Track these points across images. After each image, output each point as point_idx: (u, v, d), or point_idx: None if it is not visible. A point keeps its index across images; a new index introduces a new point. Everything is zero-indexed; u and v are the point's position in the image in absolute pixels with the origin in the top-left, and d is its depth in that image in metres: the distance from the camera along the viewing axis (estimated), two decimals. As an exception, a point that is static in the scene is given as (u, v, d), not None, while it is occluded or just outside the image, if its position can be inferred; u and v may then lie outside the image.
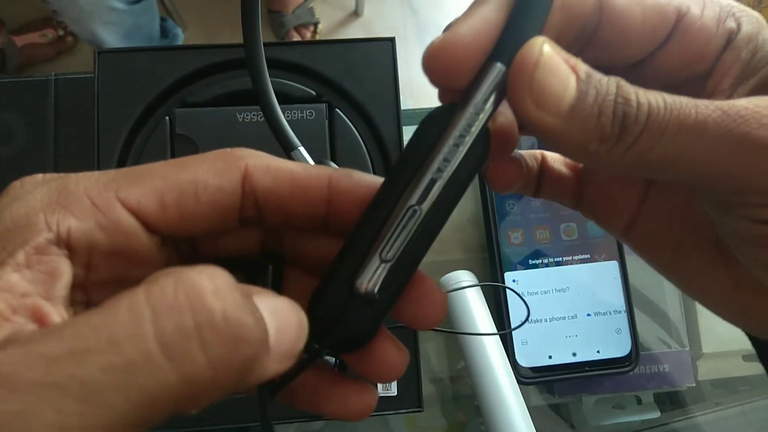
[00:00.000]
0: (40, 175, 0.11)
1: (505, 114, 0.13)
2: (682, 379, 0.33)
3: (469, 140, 0.12)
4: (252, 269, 0.13)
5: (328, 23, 1.15)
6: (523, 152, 0.17)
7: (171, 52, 0.31)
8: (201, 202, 0.12)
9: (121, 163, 0.30)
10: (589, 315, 0.33)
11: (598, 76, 0.12)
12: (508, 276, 0.33)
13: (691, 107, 0.11)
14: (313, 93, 0.31)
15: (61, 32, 1.03)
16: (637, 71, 0.14)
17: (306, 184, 0.13)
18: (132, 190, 0.11)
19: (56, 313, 0.10)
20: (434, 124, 0.12)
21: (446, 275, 0.32)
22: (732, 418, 0.27)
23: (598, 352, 0.32)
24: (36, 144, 0.34)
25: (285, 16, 1.09)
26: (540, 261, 0.33)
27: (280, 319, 0.10)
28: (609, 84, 0.12)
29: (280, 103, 0.30)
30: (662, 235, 0.16)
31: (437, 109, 0.12)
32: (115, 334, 0.08)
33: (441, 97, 0.14)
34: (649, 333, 0.33)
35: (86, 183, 0.11)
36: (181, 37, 1.04)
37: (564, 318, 0.33)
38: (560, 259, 0.33)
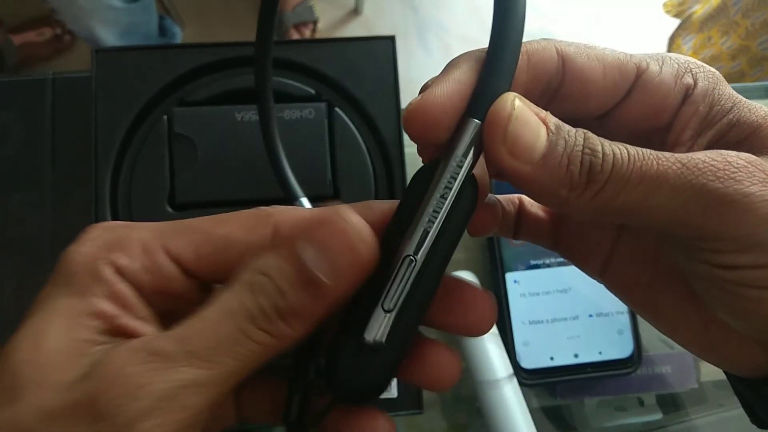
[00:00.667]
0: (108, 223, 0.14)
1: (478, 164, 0.14)
2: (685, 380, 0.33)
3: (454, 191, 0.13)
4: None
5: (328, 21, 1.14)
6: (501, 197, 0.18)
7: (169, 50, 0.31)
8: (231, 255, 0.13)
9: (119, 163, 0.30)
10: (591, 316, 0.32)
11: (567, 128, 0.13)
12: (509, 277, 0.32)
13: (653, 159, 0.13)
14: (313, 92, 0.31)
15: (58, 31, 1.03)
16: (603, 123, 0.15)
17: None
18: (175, 241, 0.13)
19: (146, 328, 0.13)
20: (422, 180, 0.13)
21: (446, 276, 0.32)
22: (735, 420, 0.26)
23: (600, 353, 0.32)
24: (33, 143, 0.33)
25: (284, 14, 1.08)
26: (541, 261, 0.33)
27: (324, 252, 0.12)
28: (577, 135, 0.13)
29: (279, 102, 0.30)
30: (634, 275, 0.17)
31: (424, 166, 0.14)
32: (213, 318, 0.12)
33: (420, 152, 0.15)
34: (652, 334, 0.33)
35: (142, 233, 0.13)
36: (179, 36, 1.04)
37: (566, 319, 0.32)
38: (562, 259, 0.33)
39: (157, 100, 0.30)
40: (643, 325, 0.33)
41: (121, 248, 0.13)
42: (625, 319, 0.32)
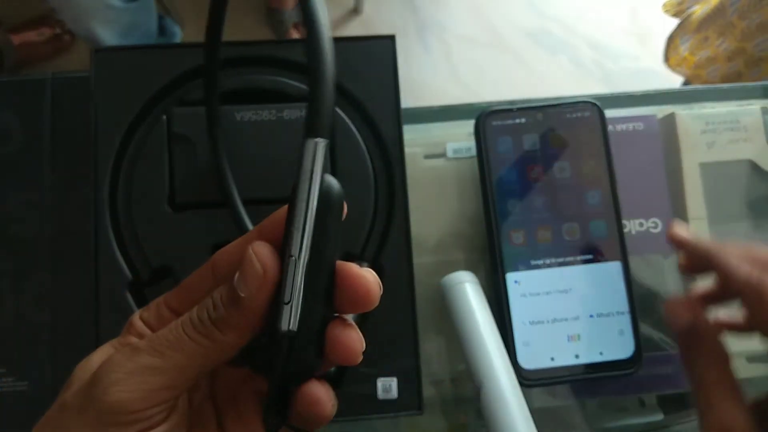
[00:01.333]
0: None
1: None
2: (686, 381, 0.33)
3: (312, 198, 0.16)
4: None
5: (328, 21, 1.14)
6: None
7: (168, 50, 0.31)
8: (196, 294, 0.18)
9: (118, 162, 0.30)
10: (591, 316, 0.32)
11: None
12: (510, 277, 0.32)
13: None
14: (313, 91, 0.31)
15: (58, 30, 1.03)
16: None
17: (247, 243, 0.17)
18: (170, 297, 0.19)
19: None
20: (291, 195, 0.16)
21: (447, 276, 0.32)
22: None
23: (601, 354, 0.32)
24: (32, 143, 0.33)
25: (284, 13, 1.08)
26: (542, 261, 0.33)
27: (242, 272, 0.16)
28: None
29: (279, 102, 0.30)
30: None
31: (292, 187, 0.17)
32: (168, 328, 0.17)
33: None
34: (653, 335, 0.33)
35: (160, 298, 0.19)
36: (178, 35, 1.04)
37: (566, 319, 0.32)
38: (562, 259, 0.33)
39: (156, 99, 0.30)
40: (644, 325, 0.33)
41: (147, 308, 0.19)
42: (626, 319, 0.32)
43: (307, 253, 0.16)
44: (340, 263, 0.17)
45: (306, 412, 0.17)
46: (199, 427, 0.19)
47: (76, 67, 1.03)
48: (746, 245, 0.25)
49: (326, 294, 0.16)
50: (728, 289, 0.25)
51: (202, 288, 0.18)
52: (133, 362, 0.16)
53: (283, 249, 0.16)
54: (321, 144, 0.16)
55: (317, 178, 0.16)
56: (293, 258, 0.16)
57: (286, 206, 0.17)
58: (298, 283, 0.16)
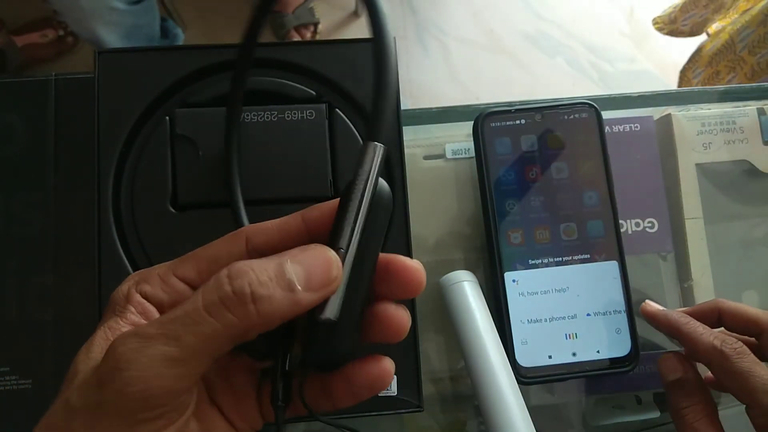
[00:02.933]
0: (139, 271, 0.18)
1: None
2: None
3: (368, 197, 0.17)
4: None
5: (329, 23, 1.15)
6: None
7: (171, 52, 0.31)
8: (220, 266, 0.16)
9: (121, 164, 0.30)
10: (588, 315, 0.33)
11: None
12: (508, 276, 0.33)
13: None
14: (313, 93, 0.31)
15: (61, 32, 1.03)
16: None
17: (287, 227, 0.18)
18: (180, 268, 0.18)
19: None
20: (345, 192, 0.17)
21: (446, 275, 0.32)
22: (732, 418, 0.27)
23: (598, 352, 0.32)
24: (36, 144, 0.34)
25: (285, 16, 1.09)
26: (540, 261, 0.33)
27: (307, 267, 0.16)
28: None
29: (280, 104, 0.30)
30: None
31: (347, 184, 0.17)
32: (185, 307, 0.16)
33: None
34: (649, 333, 0.33)
35: (160, 268, 0.18)
36: (181, 38, 1.04)
37: (564, 318, 0.33)
38: (560, 259, 0.33)
39: (159, 101, 0.31)
40: (641, 324, 0.33)
41: (145, 280, 0.18)
42: (623, 318, 0.33)
43: (355, 247, 0.16)
44: (392, 255, 0.18)
45: (386, 331, 0.17)
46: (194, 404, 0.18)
47: (79, 69, 1.03)
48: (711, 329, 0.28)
49: (366, 287, 0.17)
50: (695, 356, 0.28)
51: (225, 257, 0.17)
52: (147, 356, 0.15)
53: (331, 241, 0.17)
54: (380, 148, 0.17)
55: (374, 179, 0.17)
56: (342, 250, 0.16)
57: (333, 200, 0.17)
58: (345, 275, 0.16)
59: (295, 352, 0.18)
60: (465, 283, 0.31)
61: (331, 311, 0.16)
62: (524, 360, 0.32)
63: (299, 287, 0.16)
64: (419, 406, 0.28)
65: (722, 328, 0.30)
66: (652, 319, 0.31)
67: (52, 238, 0.33)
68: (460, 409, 0.34)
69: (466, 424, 0.34)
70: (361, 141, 0.31)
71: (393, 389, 0.28)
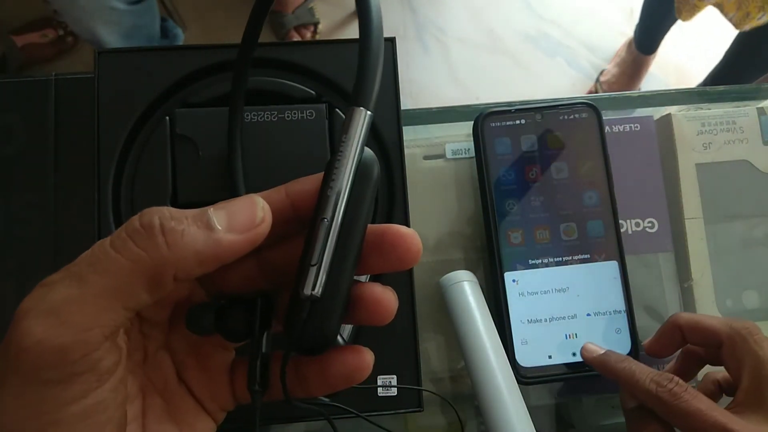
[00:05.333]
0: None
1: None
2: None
3: (352, 165, 0.16)
4: (247, 302, 0.17)
5: (329, 23, 1.15)
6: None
7: (171, 52, 0.31)
8: None
9: (121, 164, 0.30)
10: (588, 315, 0.33)
11: None
12: (508, 276, 0.33)
13: None
14: (313, 93, 0.31)
15: (61, 32, 1.03)
16: None
17: (269, 200, 0.17)
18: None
19: None
20: (329, 164, 0.16)
21: (446, 275, 0.32)
22: (731, 418, 0.27)
23: (598, 352, 0.32)
24: (36, 144, 0.34)
25: (285, 16, 1.09)
26: (539, 261, 0.33)
27: (229, 210, 0.15)
28: None
29: (280, 104, 0.30)
30: None
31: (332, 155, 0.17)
32: (94, 248, 0.14)
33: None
34: (649, 333, 0.33)
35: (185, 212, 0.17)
36: (181, 38, 1.04)
37: (564, 318, 0.33)
38: (560, 259, 0.33)
39: (159, 101, 0.31)
40: (641, 324, 0.33)
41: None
42: (623, 318, 0.33)
43: (340, 217, 0.15)
44: (386, 225, 0.17)
45: (372, 313, 0.16)
46: (157, 380, 0.17)
47: (79, 69, 1.03)
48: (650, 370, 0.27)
49: (354, 262, 0.16)
50: (639, 400, 0.27)
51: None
52: (47, 302, 0.13)
53: (315, 212, 0.16)
54: (366, 115, 0.16)
55: (360, 146, 0.16)
56: (325, 220, 0.15)
57: (315, 175, 0.17)
58: (329, 247, 0.15)
59: (273, 332, 0.17)
60: (465, 283, 0.31)
61: (314, 286, 0.15)
62: (524, 360, 0.32)
63: (218, 227, 0.15)
64: (419, 406, 0.28)
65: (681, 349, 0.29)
66: (592, 364, 0.30)
67: (52, 239, 0.33)
68: (461, 409, 0.34)
69: (466, 424, 0.34)
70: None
71: (393, 390, 0.28)
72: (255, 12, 0.25)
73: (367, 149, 0.16)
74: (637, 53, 1.05)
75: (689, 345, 0.29)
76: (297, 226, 0.17)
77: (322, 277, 0.15)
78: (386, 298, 0.17)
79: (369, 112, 0.16)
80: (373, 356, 0.17)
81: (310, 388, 0.17)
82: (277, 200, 0.17)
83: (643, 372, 0.27)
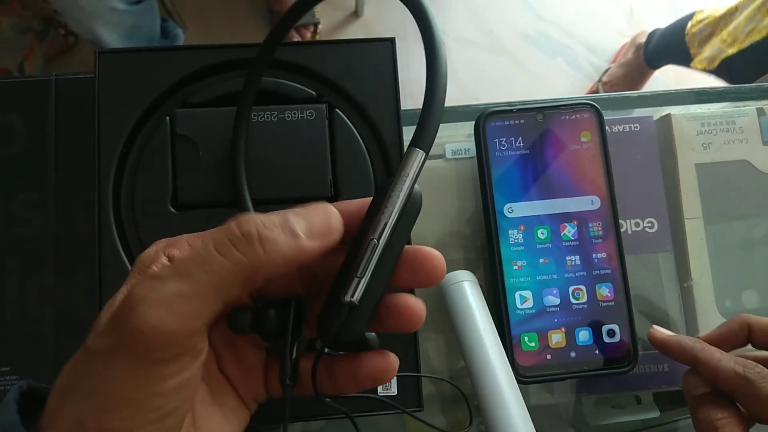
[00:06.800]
0: (168, 238, 0.20)
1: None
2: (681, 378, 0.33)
3: (404, 197, 0.18)
4: (282, 305, 0.19)
5: (328, 24, 1.15)
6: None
7: (172, 52, 0.31)
8: None
9: (122, 164, 0.30)
10: (589, 315, 0.33)
11: None
12: (508, 276, 0.33)
13: None
14: (313, 93, 0.31)
15: (61, 32, 1.03)
16: None
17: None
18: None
19: None
20: (383, 190, 0.19)
21: (446, 275, 0.32)
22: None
23: (598, 352, 0.32)
24: (36, 144, 0.34)
25: (285, 16, 1.08)
26: (540, 261, 0.33)
27: (308, 219, 0.17)
28: None
29: (280, 104, 0.30)
30: None
31: (385, 181, 0.19)
32: (197, 249, 0.16)
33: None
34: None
35: (189, 236, 0.19)
36: (181, 38, 1.04)
37: (563, 318, 0.33)
38: (560, 258, 0.33)
39: (159, 101, 0.31)
40: (640, 323, 0.33)
41: (173, 245, 0.19)
42: (623, 317, 0.33)
43: (386, 240, 0.18)
44: (418, 246, 0.19)
45: (405, 321, 0.19)
46: (203, 367, 0.18)
47: (79, 69, 1.03)
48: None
49: (388, 278, 0.19)
50: (716, 384, 0.27)
51: None
52: (160, 293, 0.15)
53: (364, 231, 0.18)
54: (422, 155, 0.19)
55: (411, 182, 0.19)
56: (373, 240, 0.18)
57: (359, 200, 0.19)
58: (372, 263, 0.18)
59: (305, 334, 0.20)
60: (465, 283, 0.32)
61: (354, 294, 0.17)
62: (524, 359, 0.32)
63: (302, 234, 0.17)
64: (419, 406, 0.28)
65: (741, 350, 0.29)
66: (663, 347, 0.30)
67: (52, 238, 0.33)
68: (460, 408, 0.34)
69: (466, 423, 0.34)
70: (361, 141, 0.31)
71: (393, 389, 0.29)
72: (284, 19, 0.27)
73: (417, 187, 0.19)
74: (644, 63, 1.05)
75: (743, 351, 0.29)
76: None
77: (362, 288, 0.18)
78: (418, 306, 0.19)
79: (424, 154, 0.19)
80: (398, 361, 0.20)
81: (340, 386, 0.20)
82: None
83: (725, 354, 0.27)
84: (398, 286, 0.19)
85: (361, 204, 0.19)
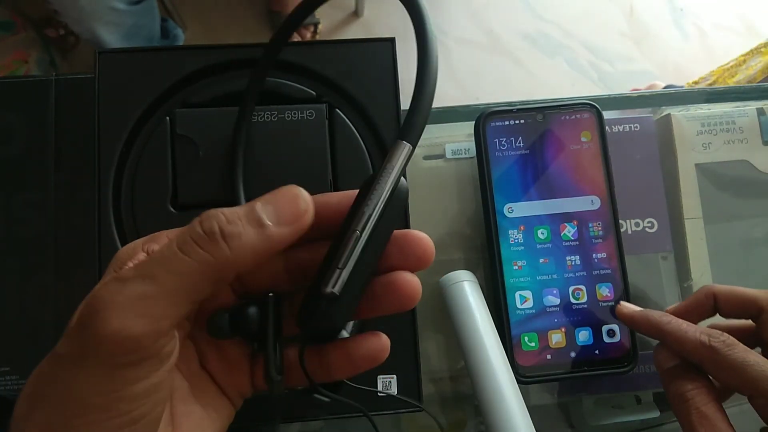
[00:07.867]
0: (150, 234, 0.19)
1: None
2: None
3: (388, 190, 0.18)
4: (258, 302, 0.19)
5: (329, 23, 1.15)
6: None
7: (171, 52, 0.31)
8: None
9: (122, 164, 0.30)
10: (588, 315, 0.33)
11: None
12: (508, 276, 0.33)
13: None
14: (313, 93, 0.31)
15: (61, 32, 1.03)
16: None
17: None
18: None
19: None
20: (368, 183, 0.18)
21: (446, 275, 0.32)
22: (731, 418, 0.27)
23: (598, 352, 0.32)
24: (36, 144, 0.34)
25: (285, 16, 1.08)
26: (540, 261, 0.33)
27: (275, 204, 0.17)
28: None
29: (280, 104, 0.30)
30: None
31: (371, 174, 0.19)
32: (161, 250, 0.16)
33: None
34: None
35: (170, 232, 0.18)
36: (181, 38, 1.04)
37: (563, 318, 0.33)
38: (560, 258, 0.33)
39: (159, 101, 0.31)
40: (641, 324, 0.33)
41: (154, 240, 0.18)
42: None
43: (369, 232, 0.18)
44: (407, 230, 0.19)
45: (401, 297, 0.18)
46: (183, 365, 0.18)
47: (79, 69, 1.03)
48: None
49: (370, 270, 0.18)
50: (683, 355, 0.27)
51: None
52: (123, 295, 0.15)
53: (347, 222, 0.18)
54: (408, 148, 0.19)
55: (397, 174, 0.18)
56: (357, 232, 0.18)
57: (340, 192, 0.19)
58: (355, 255, 0.17)
59: (286, 331, 0.19)
60: (465, 283, 0.32)
61: (336, 285, 0.17)
62: (524, 359, 0.32)
63: (269, 223, 0.16)
64: (419, 406, 0.29)
65: (710, 321, 0.29)
66: (630, 322, 0.30)
67: (52, 238, 0.33)
68: (460, 408, 0.34)
69: (466, 423, 0.34)
70: (361, 141, 0.31)
71: (393, 389, 0.29)
72: (288, 21, 0.27)
73: (402, 179, 0.19)
74: None
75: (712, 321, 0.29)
76: (316, 233, 0.18)
77: (344, 279, 0.17)
78: (413, 282, 0.18)
79: (411, 146, 0.19)
80: (389, 341, 0.19)
81: (333, 372, 0.19)
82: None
83: (691, 326, 0.27)
84: (392, 270, 0.19)
85: (342, 196, 0.19)
